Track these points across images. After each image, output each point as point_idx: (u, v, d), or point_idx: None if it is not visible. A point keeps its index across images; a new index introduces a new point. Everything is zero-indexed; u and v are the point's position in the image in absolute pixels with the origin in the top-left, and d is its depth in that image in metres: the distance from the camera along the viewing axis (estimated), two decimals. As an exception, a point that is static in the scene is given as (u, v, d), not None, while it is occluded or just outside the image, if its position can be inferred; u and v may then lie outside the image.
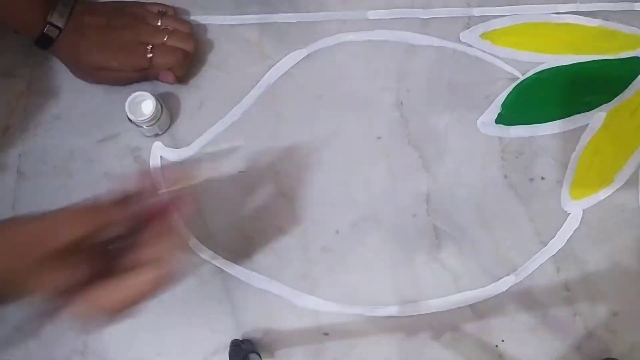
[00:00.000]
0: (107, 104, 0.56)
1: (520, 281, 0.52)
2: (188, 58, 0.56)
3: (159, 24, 0.55)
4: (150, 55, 0.54)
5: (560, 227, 0.53)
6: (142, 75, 0.55)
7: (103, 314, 0.35)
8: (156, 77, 0.56)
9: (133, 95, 0.52)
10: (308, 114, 0.56)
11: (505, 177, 0.55)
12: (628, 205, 0.54)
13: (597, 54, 0.58)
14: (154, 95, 0.52)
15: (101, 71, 0.55)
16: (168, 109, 0.55)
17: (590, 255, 0.53)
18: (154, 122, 0.52)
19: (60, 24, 0.52)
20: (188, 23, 0.57)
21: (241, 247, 0.53)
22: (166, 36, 0.54)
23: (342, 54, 0.58)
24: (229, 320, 0.52)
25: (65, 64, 0.56)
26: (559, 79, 0.57)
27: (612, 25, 0.58)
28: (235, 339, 0.50)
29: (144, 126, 0.52)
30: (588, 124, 0.56)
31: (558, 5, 0.59)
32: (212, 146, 0.55)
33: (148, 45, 0.54)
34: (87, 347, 0.51)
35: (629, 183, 0.54)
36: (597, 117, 0.56)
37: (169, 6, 0.57)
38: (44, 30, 0.52)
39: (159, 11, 0.56)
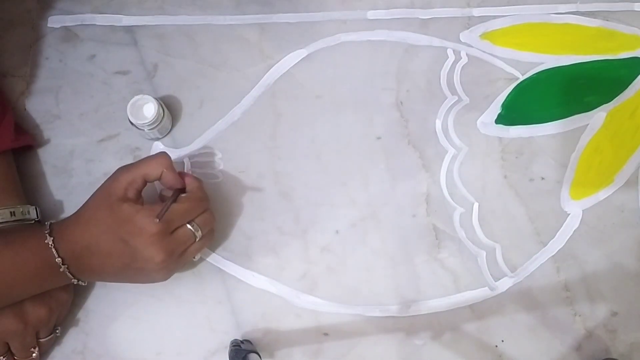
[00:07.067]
0: (107, 104, 0.56)
1: (520, 281, 0.52)
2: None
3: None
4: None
5: (560, 227, 0.53)
6: None
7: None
8: None
9: (135, 97, 0.51)
10: (308, 114, 0.56)
11: (505, 177, 0.55)
12: (628, 205, 0.54)
13: (597, 54, 0.58)
14: (156, 99, 0.52)
15: None
16: (170, 112, 0.55)
17: (590, 255, 0.53)
18: (155, 125, 0.52)
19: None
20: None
21: (241, 247, 0.53)
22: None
23: (342, 54, 0.58)
24: (229, 320, 0.52)
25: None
26: (559, 79, 0.57)
27: (612, 25, 0.58)
28: (235, 339, 0.50)
29: (145, 129, 0.52)
30: (588, 124, 0.56)
31: (558, 5, 0.59)
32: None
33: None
34: (87, 347, 0.51)
35: (629, 183, 0.54)
36: (597, 117, 0.56)
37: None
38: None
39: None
